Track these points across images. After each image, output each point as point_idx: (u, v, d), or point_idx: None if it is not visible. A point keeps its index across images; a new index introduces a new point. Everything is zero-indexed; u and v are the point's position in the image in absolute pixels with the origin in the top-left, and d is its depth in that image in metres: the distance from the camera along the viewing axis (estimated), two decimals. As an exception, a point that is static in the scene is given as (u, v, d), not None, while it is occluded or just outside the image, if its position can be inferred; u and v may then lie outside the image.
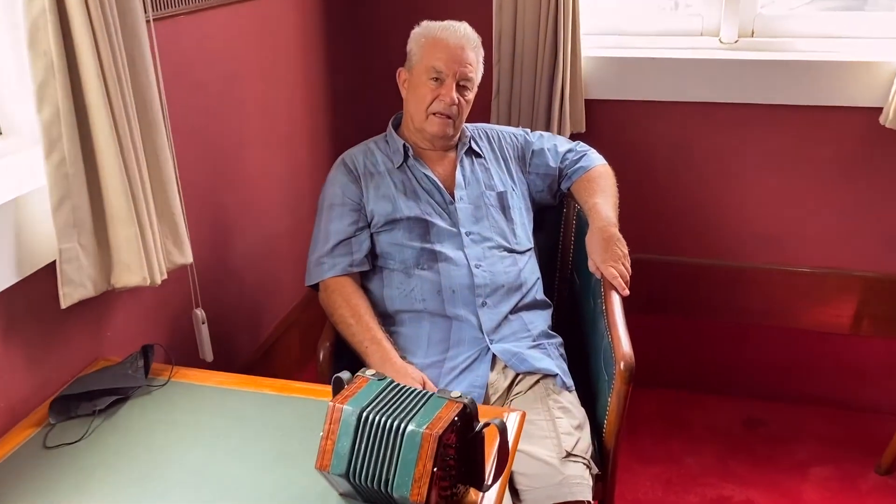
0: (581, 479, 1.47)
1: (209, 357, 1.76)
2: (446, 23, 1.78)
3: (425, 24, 1.80)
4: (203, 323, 1.73)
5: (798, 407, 2.45)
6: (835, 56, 2.25)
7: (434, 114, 1.74)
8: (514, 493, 1.47)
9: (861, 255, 2.43)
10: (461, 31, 1.76)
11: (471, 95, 1.78)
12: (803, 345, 2.54)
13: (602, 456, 1.61)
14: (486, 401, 1.63)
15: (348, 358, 1.67)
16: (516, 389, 1.64)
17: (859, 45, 2.29)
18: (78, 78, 1.25)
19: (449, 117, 1.74)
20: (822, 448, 2.28)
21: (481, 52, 1.80)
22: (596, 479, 1.55)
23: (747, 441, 2.33)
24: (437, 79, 1.72)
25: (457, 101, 1.73)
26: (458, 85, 1.73)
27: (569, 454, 1.49)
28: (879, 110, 2.21)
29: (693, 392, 2.53)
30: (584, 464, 1.51)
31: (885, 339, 2.47)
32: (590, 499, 1.47)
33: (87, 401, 1.31)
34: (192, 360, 1.76)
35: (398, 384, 1.10)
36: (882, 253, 2.41)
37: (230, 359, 1.98)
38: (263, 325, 2.18)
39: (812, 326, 2.53)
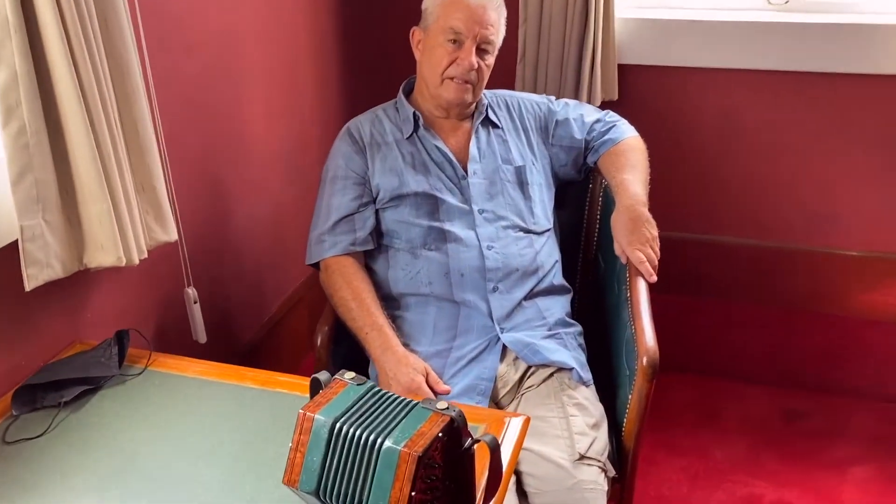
0: (595, 483, 1.37)
1: (202, 338, 1.67)
2: None
3: (443, -21, 1.64)
4: (195, 303, 1.63)
5: (842, 399, 2.29)
6: (898, 17, 2.06)
7: (451, 78, 1.60)
8: (523, 494, 1.38)
9: (917, 239, 2.26)
10: None
11: (491, 60, 1.64)
12: (851, 333, 2.39)
13: (620, 456, 1.48)
14: (495, 395, 1.51)
15: (349, 343, 1.57)
16: (528, 383, 1.53)
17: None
18: (38, 38, 1.13)
19: (467, 82, 1.60)
20: (865, 446, 2.13)
21: (504, 13, 1.66)
22: (613, 481, 1.44)
23: (784, 435, 2.18)
24: (454, 41, 1.58)
25: (476, 65, 1.59)
26: (478, 48, 1.59)
27: (582, 456, 1.38)
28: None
29: (729, 380, 2.39)
30: (600, 467, 1.40)
31: (939, 328, 2.29)
32: None
33: (54, 391, 1.21)
34: (187, 341, 1.67)
35: (380, 390, 0.98)
36: (940, 237, 2.23)
37: (230, 340, 1.89)
38: (267, 303, 2.08)
39: (861, 314, 2.38)
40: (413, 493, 0.86)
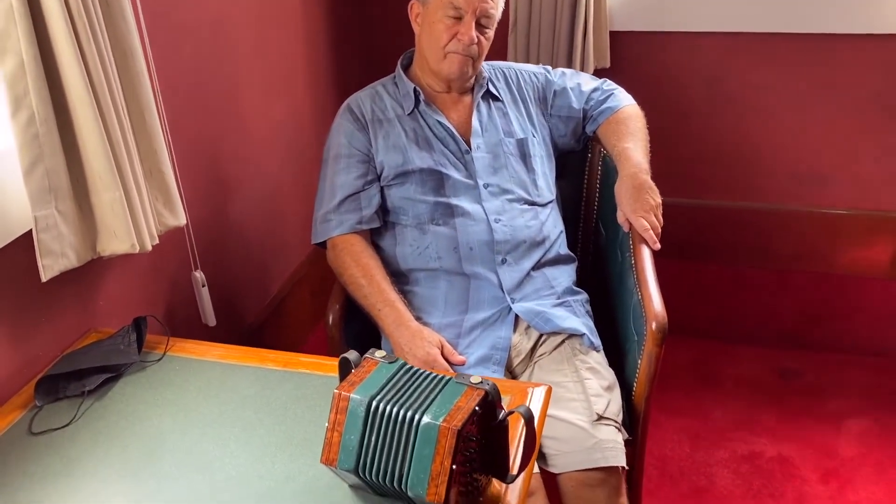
0: (614, 442, 1.40)
1: (212, 321, 1.66)
2: None
3: (442, -48, 1.62)
4: (203, 286, 1.62)
5: (835, 356, 2.35)
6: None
7: (452, 53, 1.59)
8: (542, 457, 1.40)
9: (904, 196, 2.29)
10: None
11: (491, 33, 1.63)
12: (841, 290, 2.43)
13: (631, 419, 1.51)
14: (510, 364, 1.53)
15: (360, 320, 1.58)
16: (540, 350, 1.55)
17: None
18: (43, 25, 1.11)
19: (468, 56, 1.60)
20: (859, 400, 2.19)
21: None
22: (625, 444, 1.46)
23: (780, 393, 2.23)
24: (455, 16, 1.56)
25: (476, 39, 1.58)
26: (477, 22, 1.57)
27: (601, 417, 1.41)
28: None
29: (725, 342, 2.43)
30: (616, 427, 1.43)
31: (928, 284, 2.34)
32: (624, 464, 1.40)
33: (76, 380, 1.21)
34: (195, 325, 1.67)
35: (411, 367, 0.99)
36: (927, 193, 2.27)
37: (237, 321, 1.89)
38: (270, 281, 2.08)
39: (850, 271, 2.42)
40: (454, 466, 0.88)
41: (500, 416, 0.94)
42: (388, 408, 0.92)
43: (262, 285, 2.04)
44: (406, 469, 0.91)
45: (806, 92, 2.25)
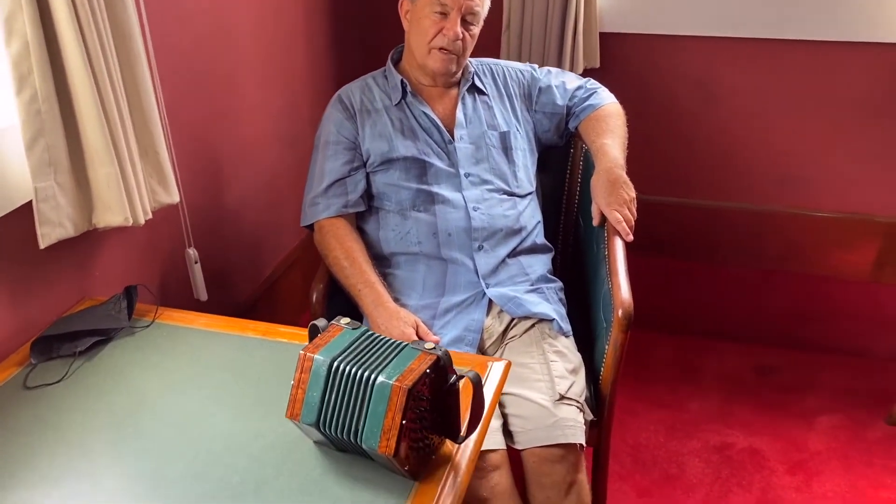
0: (574, 421, 1.46)
1: (203, 296, 1.75)
2: None
3: (430, -49, 1.70)
4: (196, 262, 1.71)
5: (813, 355, 2.40)
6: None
7: (437, 49, 1.66)
8: (508, 434, 1.46)
9: (884, 200, 2.35)
10: None
11: (476, 30, 1.69)
12: (821, 291, 2.49)
13: (598, 402, 1.58)
14: (481, 345, 1.60)
15: (342, 300, 1.65)
16: (511, 333, 1.62)
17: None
18: (48, 8, 1.19)
19: (452, 53, 1.67)
20: (832, 397, 2.24)
21: None
22: (591, 424, 1.53)
23: (756, 388, 2.29)
24: (441, 12, 1.63)
25: (461, 36, 1.65)
26: (463, 19, 1.64)
27: (562, 397, 1.47)
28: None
29: (706, 338, 2.49)
30: (578, 407, 1.49)
31: (906, 287, 2.40)
32: (583, 442, 1.46)
33: (68, 342, 1.30)
34: (187, 299, 1.75)
35: (372, 334, 1.07)
36: (907, 198, 2.33)
37: (229, 298, 1.97)
38: (264, 264, 2.16)
39: (831, 273, 2.48)
40: (404, 422, 0.96)
41: (451, 379, 1.02)
42: (348, 368, 1.00)
43: (256, 266, 2.12)
44: (362, 424, 0.99)
45: (790, 97, 2.31)
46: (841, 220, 2.42)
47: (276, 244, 2.21)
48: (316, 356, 1.02)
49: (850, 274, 2.46)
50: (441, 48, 1.65)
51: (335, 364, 1.01)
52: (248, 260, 2.08)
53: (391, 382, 0.97)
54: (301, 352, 1.03)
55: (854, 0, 2.12)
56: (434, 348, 1.02)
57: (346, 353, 1.02)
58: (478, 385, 1.01)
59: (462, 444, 1.08)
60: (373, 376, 0.99)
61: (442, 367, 1.01)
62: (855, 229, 2.42)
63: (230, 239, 1.97)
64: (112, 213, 1.33)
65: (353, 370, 1.00)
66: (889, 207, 2.35)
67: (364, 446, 0.99)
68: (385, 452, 0.97)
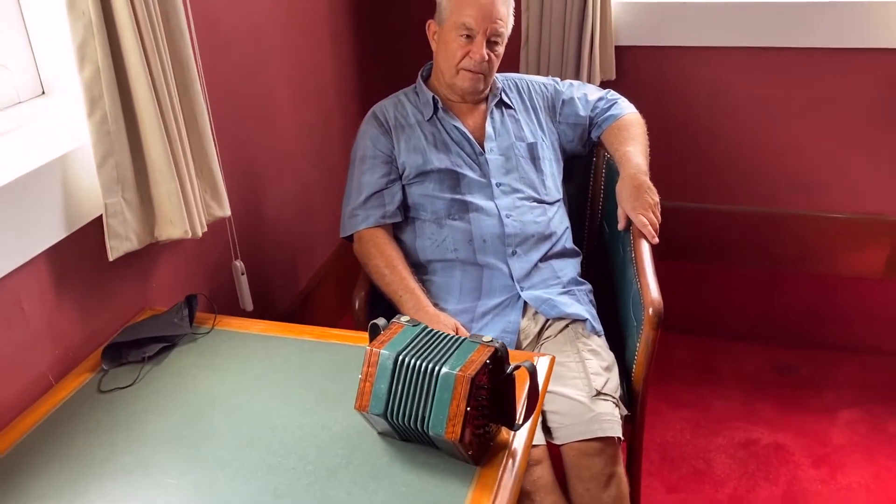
0: (611, 416, 1.51)
1: (249, 306, 1.82)
2: None
3: (455, -26, 1.79)
4: (242, 274, 1.78)
5: (829, 353, 2.45)
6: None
7: (464, 70, 1.74)
8: (547, 431, 1.53)
9: (896, 201, 2.41)
10: None
11: (501, 49, 1.77)
12: (836, 290, 2.53)
13: (631, 398, 1.64)
14: (518, 346, 1.68)
15: (383, 306, 1.71)
16: (546, 334, 1.68)
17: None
18: (116, 37, 1.28)
19: (479, 73, 1.74)
20: (851, 393, 2.29)
21: (512, 4, 1.78)
22: (625, 420, 1.59)
23: (776, 386, 2.34)
24: (467, 35, 1.71)
25: (487, 57, 1.72)
26: (488, 40, 1.72)
27: (599, 392, 1.53)
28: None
29: (724, 339, 2.55)
30: (614, 402, 1.55)
31: (918, 284, 2.46)
32: (620, 435, 1.51)
33: (136, 348, 1.38)
34: (233, 309, 1.83)
35: (431, 329, 1.15)
36: (917, 198, 2.39)
37: (269, 308, 2.04)
38: (300, 275, 2.24)
39: (845, 272, 2.52)
40: (468, 409, 1.03)
41: (508, 369, 1.09)
42: (413, 361, 1.08)
43: (293, 277, 2.20)
44: (428, 412, 1.06)
45: (802, 103, 2.36)
46: (854, 221, 2.47)
47: (309, 257, 2.29)
48: (382, 351, 1.10)
49: (863, 273, 2.51)
50: (468, 69, 1.74)
51: (400, 357, 1.09)
52: (286, 270, 2.16)
53: (455, 372, 1.05)
54: (368, 347, 1.11)
55: (864, 7, 2.18)
56: (491, 341, 1.09)
57: (409, 348, 1.10)
58: (533, 374, 1.08)
59: (517, 432, 1.15)
60: (437, 368, 1.06)
61: (500, 358, 1.09)
62: (868, 229, 2.47)
63: (269, 251, 2.05)
64: (173, 226, 1.41)
65: (418, 363, 1.08)
66: (899, 208, 2.42)
67: (431, 433, 1.06)
68: (451, 438, 1.04)
